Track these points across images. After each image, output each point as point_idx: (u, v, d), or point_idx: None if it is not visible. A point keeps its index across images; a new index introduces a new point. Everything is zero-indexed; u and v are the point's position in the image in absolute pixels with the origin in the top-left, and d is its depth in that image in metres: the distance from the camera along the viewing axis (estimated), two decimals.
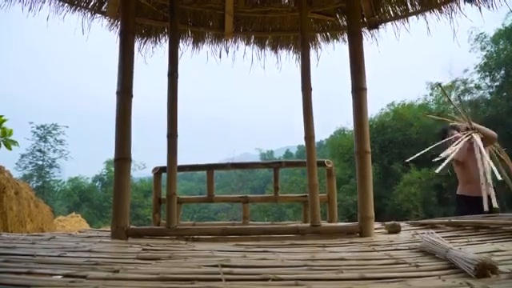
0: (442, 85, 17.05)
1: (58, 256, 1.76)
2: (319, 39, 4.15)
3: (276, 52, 4.26)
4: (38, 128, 27.72)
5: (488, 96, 18.73)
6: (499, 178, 3.20)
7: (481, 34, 18.51)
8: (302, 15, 3.34)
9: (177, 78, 3.06)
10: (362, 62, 2.87)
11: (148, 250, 2.01)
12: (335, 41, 4.12)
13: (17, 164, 26.47)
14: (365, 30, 3.68)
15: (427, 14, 3.55)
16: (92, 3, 3.55)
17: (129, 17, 2.98)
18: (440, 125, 4.22)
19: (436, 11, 3.51)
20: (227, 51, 4.17)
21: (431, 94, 21.06)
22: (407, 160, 5.04)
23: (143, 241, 2.46)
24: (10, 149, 4.85)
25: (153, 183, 4.14)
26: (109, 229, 2.80)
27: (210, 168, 4.16)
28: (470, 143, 3.62)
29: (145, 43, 3.98)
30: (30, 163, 27.61)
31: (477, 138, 3.53)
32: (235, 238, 2.55)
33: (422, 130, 17.55)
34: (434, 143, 4.25)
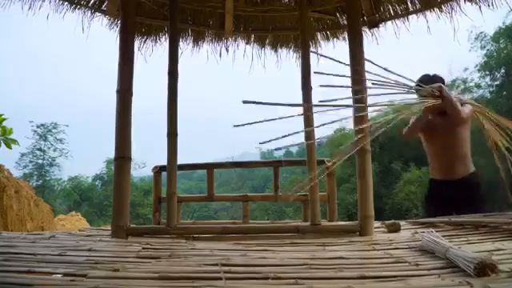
0: None
1: (58, 255, 1.76)
2: (319, 38, 4.15)
3: (276, 51, 4.26)
4: (37, 127, 27.77)
5: (488, 95, 18.73)
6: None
7: (481, 32, 18.51)
8: (302, 14, 3.33)
9: (177, 76, 3.06)
10: (362, 61, 2.87)
11: (148, 249, 2.01)
12: (335, 40, 4.12)
13: (17, 163, 26.52)
14: (365, 29, 3.68)
15: (427, 12, 3.55)
16: (92, 2, 3.55)
17: (129, 15, 2.97)
18: None
19: (436, 10, 3.51)
20: (227, 50, 4.18)
21: None
22: None
23: (143, 240, 2.46)
24: (10, 148, 4.85)
25: (153, 182, 4.15)
26: (109, 228, 2.80)
27: (209, 167, 4.16)
28: (436, 110, 3.06)
29: (145, 42, 3.98)
30: (30, 162, 27.66)
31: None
32: (235, 237, 2.55)
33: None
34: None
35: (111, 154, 2.81)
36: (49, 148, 28.27)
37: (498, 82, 18.44)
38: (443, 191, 3.03)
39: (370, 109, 2.82)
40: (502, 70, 18.18)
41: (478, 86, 19.13)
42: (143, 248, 2.04)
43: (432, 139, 3.15)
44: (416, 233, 2.43)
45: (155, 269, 1.48)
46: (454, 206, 2.97)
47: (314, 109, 2.68)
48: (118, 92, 2.79)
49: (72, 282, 1.24)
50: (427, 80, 3.05)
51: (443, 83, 3.05)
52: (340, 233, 2.65)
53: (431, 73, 3.21)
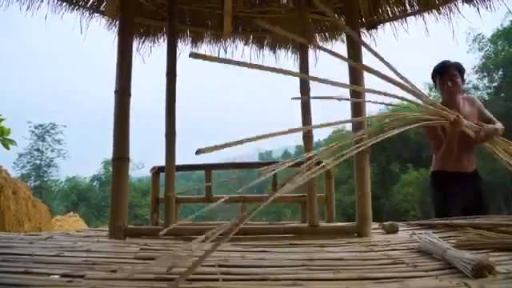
0: None
1: (56, 255, 1.75)
2: (318, 39, 4.15)
3: (274, 52, 4.27)
4: (35, 127, 27.74)
5: (486, 97, 18.80)
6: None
7: (479, 34, 18.60)
8: (301, 15, 3.34)
9: (175, 77, 3.05)
10: (360, 62, 2.87)
11: (146, 250, 2.00)
12: (334, 41, 4.13)
13: (14, 163, 26.47)
14: (363, 31, 3.69)
15: (425, 14, 3.56)
16: (90, 2, 3.55)
17: (127, 16, 2.97)
18: None
19: (434, 12, 3.52)
20: (226, 51, 4.18)
21: (429, 95, 21.17)
22: None
23: (141, 240, 2.46)
24: (8, 148, 4.84)
25: (151, 183, 4.14)
26: (106, 228, 2.80)
27: (208, 168, 4.15)
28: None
29: (143, 42, 3.98)
30: (28, 163, 27.61)
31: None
32: (233, 238, 2.54)
33: (421, 130, 17.60)
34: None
35: (109, 155, 2.81)
36: (47, 149, 28.27)
37: (495, 84, 18.53)
38: (456, 183, 2.88)
39: (367, 110, 2.83)
40: (500, 72, 18.27)
41: (476, 88, 19.21)
42: (141, 249, 2.04)
43: (445, 133, 2.83)
44: (414, 234, 2.44)
45: (153, 270, 1.48)
46: (464, 199, 2.87)
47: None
48: (116, 92, 2.79)
49: (69, 283, 1.24)
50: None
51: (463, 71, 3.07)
52: (338, 234, 2.65)
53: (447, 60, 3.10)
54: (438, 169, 3.09)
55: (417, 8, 3.57)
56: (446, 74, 2.98)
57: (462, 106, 2.96)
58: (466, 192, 2.86)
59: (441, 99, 3.08)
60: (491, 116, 3.05)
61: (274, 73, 1.23)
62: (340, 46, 4.04)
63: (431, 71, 3.13)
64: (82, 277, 1.31)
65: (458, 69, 3.02)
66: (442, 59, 3.06)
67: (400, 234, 2.61)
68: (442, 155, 2.87)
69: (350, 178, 17.26)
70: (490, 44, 18.57)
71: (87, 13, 3.57)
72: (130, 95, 2.81)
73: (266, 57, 4.24)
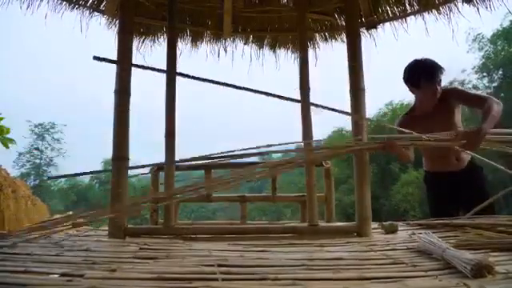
0: None
1: (55, 255, 1.75)
2: (318, 39, 4.15)
3: (274, 52, 4.26)
4: (35, 126, 27.73)
5: None
6: None
7: (478, 34, 18.60)
8: (301, 15, 3.34)
9: (175, 76, 3.05)
10: (360, 62, 2.87)
11: (145, 249, 2.01)
12: (333, 41, 4.13)
13: (14, 162, 26.46)
14: (363, 30, 3.69)
15: (425, 14, 3.55)
16: (90, 1, 3.54)
17: (127, 15, 2.97)
18: None
19: (434, 12, 3.51)
20: (226, 51, 4.18)
21: None
22: None
23: (140, 240, 2.46)
24: (8, 147, 4.83)
25: (150, 182, 4.13)
26: (106, 228, 2.80)
27: (208, 167, 4.15)
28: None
29: (143, 42, 3.98)
30: (28, 161, 27.61)
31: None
32: (233, 238, 2.55)
33: None
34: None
35: (109, 154, 2.81)
36: (46, 148, 28.26)
37: (495, 84, 18.54)
38: (447, 183, 2.85)
39: (367, 112, 2.84)
40: (500, 72, 18.28)
41: (476, 88, 19.21)
42: (140, 248, 2.04)
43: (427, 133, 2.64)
44: (413, 234, 2.44)
45: (152, 269, 1.48)
46: (459, 196, 2.85)
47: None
48: (116, 92, 2.79)
49: (69, 282, 1.24)
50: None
51: (440, 72, 2.78)
52: (338, 234, 2.65)
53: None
54: (426, 169, 3.14)
55: (417, 8, 3.57)
56: (435, 79, 2.72)
57: (438, 111, 2.79)
58: (460, 189, 2.83)
59: (415, 101, 2.93)
60: (479, 95, 3.03)
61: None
62: (340, 46, 4.04)
63: (413, 67, 2.83)
64: (81, 276, 1.31)
65: (441, 72, 2.78)
66: (438, 58, 2.84)
67: (399, 234, 2.61)
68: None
69: (349, 177, 17.25)
70: (489, 44, 18.58)
71: (87, 12, 3.57)
72: (129, 95, 2.81)
73: (266, 56, 4.23)
